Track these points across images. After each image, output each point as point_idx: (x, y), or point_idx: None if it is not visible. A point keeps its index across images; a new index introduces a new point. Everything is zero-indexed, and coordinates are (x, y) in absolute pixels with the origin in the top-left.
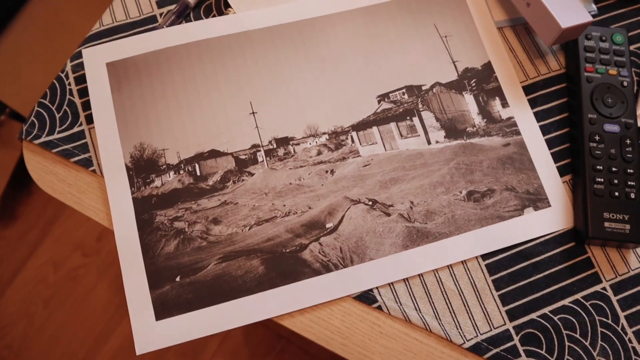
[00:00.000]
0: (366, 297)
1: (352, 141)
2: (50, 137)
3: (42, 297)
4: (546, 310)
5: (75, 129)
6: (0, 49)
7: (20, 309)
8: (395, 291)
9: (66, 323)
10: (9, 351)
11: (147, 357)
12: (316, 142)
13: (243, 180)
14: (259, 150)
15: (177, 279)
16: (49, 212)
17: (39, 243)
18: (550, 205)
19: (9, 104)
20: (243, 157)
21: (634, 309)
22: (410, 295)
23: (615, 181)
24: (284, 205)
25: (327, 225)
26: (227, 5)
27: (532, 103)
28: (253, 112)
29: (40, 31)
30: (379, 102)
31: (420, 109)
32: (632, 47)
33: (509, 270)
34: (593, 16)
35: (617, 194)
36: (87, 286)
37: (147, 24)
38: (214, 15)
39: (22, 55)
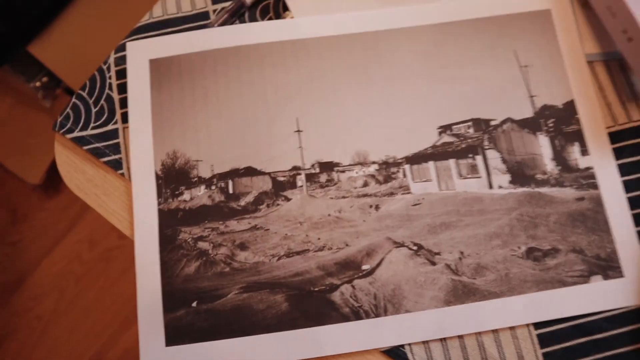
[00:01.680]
0: (396, 354)
1: (404, 175)
2: (84, 133)
3: (75, 274)
4: None
5: (110, 127)
6: (62, 21)
7: (53, 282)
8: (430, 351)
9: (95, 303)
10: (39, 321)
11: None
12: (364, 171)
13: (278, 204)
14: (300, 174)
15: (194, 304)
16: None
17: (79, 219)
18: (623, 276)
19: (64, 79)
20: (281, 178)
21: None
22: (446, 358)
23: None
24: (319, 239)
25: (364, 267)
26: (286, 8)
27: (618, 153)
28: (298, 130)
29: (103, 7)
30: (439, 133)
31: (486, 147)
32: None
33: (563, 345)
34: None
35: None
36: (120, 268)
37: (198, 20)
38: (271, 18)
39: (81, 31)
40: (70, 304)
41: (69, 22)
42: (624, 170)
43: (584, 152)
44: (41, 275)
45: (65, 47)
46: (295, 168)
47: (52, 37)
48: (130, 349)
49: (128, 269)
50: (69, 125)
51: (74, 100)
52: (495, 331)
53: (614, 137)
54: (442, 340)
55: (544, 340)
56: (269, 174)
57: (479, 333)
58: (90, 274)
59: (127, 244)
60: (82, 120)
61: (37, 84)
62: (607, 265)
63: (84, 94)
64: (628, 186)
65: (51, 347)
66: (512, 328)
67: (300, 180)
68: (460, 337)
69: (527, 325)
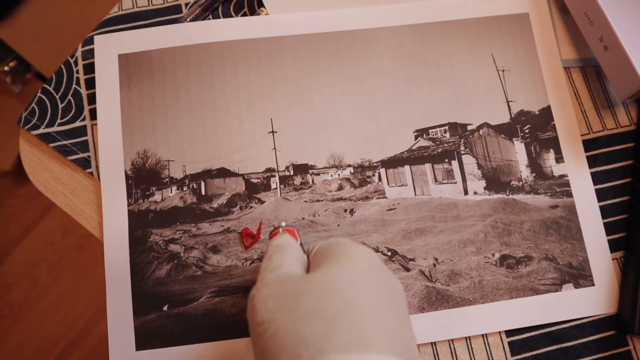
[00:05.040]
0: None
1: (379, 179)
2: (50, 129)
3: (48, 262)
4: None
5: (78, 124)
6: (32, 2)
7: (25, 270)
8: None
9: (68, 292)
10: (9, 310)
11: None
12: (339, 174)
13: (251, 207)
14: (274, 176)
15: (165, 308)
16: None
17: (51, 206)
18: (593, 285)
19: (34, 64)
20: (255, 180)
21: None
22: None
23: None
24: None
25: None
26: (261, 4)
27: (591, 161)
28: (273, 131)
29: None
30: (415, 137)
31: (462, 152)
32: None
33: (534, 352)
34: None
35: None
36: (94, 257)
37: (170, 13)
38: (245, 14)
39: (50, 16)
40: (43, 293)
41: (39, 3)
42: (597, 178)
43: (559, 159)
44: (12, 263)
45: (35, 29)
46: (269, 170)
47: (20, 19)
48: (105, 337)
49: (103, 257)
50: (34, 121)
51: (39, 94)
52: (467, 338)
53: (588, 145)
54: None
55: (515, 348)
56: (242, 175)
57: (452, 340)
58: (63, 262)
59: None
60: (48, 116)
61: (6, 68)
62: (578, 274)
63: (50, 89)
64: (600, 195)
65: (23, 337)
66: (484, 335)
67: (275, 182)
68: (433, 343)
69: (499, 332)
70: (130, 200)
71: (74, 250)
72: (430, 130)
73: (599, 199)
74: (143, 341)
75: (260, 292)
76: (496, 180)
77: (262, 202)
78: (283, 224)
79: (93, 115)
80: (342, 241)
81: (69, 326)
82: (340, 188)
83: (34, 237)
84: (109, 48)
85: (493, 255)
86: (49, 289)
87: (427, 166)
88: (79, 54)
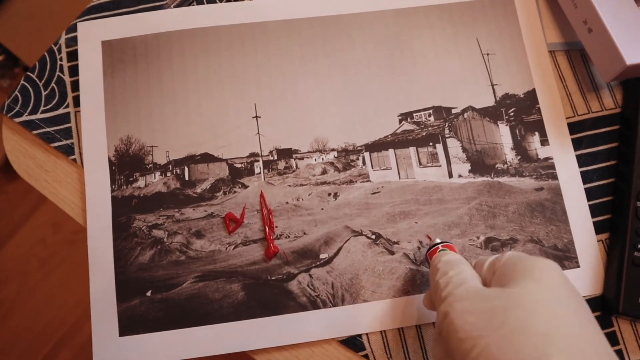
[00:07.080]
0: (353, 343)
1: (364, 163)
2: (33, 117)
3: (39, 258)
4: None
5: (61, 111)
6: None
7: (16, 266)
8: (386, 341)
9: (59, 288)
10: (1, 306)
11: None
12: (322, 158)
13: (235, 192)
14: (257, 161)
15: (149, 293)
16: None
17: (41, 202)
18: (579, 266)
19: (22, 58)
20: (238, 165)
21: None
22: (403, 347)
23: None
24: (276, 227)
25: (321, 256)
26: None
27: (577, 144)
28: (256, 116)
29: None
30: (400, 121)
31: (447, 135)
32: None
33: None
34: None
35: None
36: (84, 253)
37: (154, 0)
38: (229, 0)
39: (39, 7)
40: (34, 289)
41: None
42: (582, 161)
43: (544, 142)
44: (3, 259)
45: (23, 23)
46: (252, 154)
47: (8, 13)
48: None
49: None
50: (17, 109)
51: (22, 82)
52: None
53: (573, 127)
54: (400, 330)
55: None
56: (225, 160)
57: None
58: (54, 258)
59: None
60: (32, 104)
61: None
62: (564, 256)
63: (34, 76)
64: (586, 177)
65: (14, 333)
66: None
67: (258, 167)
68: (418, 327)
69: None
70: (113, 186)
71: (65, 246)
72: (414, 114)
73: (584, 181)
74: (126, 327)
75: (455, 307)
76: (481, 163)
77: (246, 186)
78: (438, 240)
79: (76, 102)
80: (523, 255)
81: (60, 322)
82: (324, 172)
83: (25, 233)
84: (92, 35)
85: (478, 237)
86: (40, 285)
87: (412, 150)
88: (62, 41)
